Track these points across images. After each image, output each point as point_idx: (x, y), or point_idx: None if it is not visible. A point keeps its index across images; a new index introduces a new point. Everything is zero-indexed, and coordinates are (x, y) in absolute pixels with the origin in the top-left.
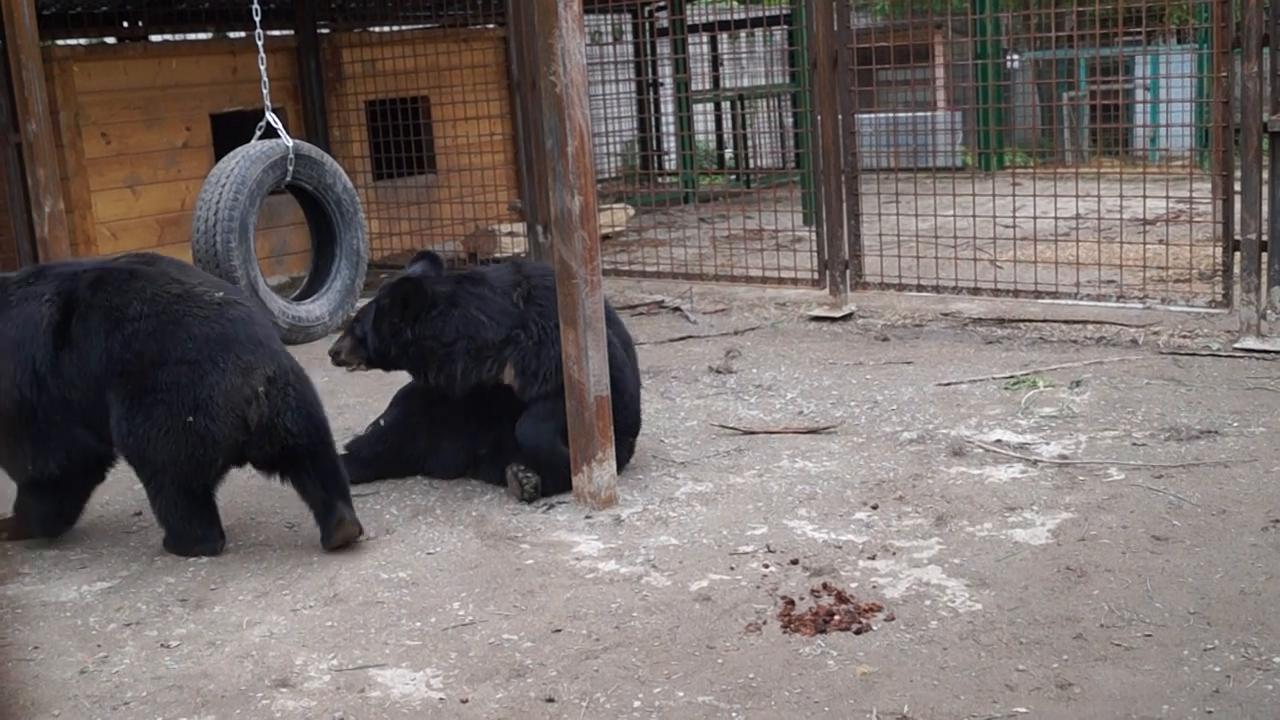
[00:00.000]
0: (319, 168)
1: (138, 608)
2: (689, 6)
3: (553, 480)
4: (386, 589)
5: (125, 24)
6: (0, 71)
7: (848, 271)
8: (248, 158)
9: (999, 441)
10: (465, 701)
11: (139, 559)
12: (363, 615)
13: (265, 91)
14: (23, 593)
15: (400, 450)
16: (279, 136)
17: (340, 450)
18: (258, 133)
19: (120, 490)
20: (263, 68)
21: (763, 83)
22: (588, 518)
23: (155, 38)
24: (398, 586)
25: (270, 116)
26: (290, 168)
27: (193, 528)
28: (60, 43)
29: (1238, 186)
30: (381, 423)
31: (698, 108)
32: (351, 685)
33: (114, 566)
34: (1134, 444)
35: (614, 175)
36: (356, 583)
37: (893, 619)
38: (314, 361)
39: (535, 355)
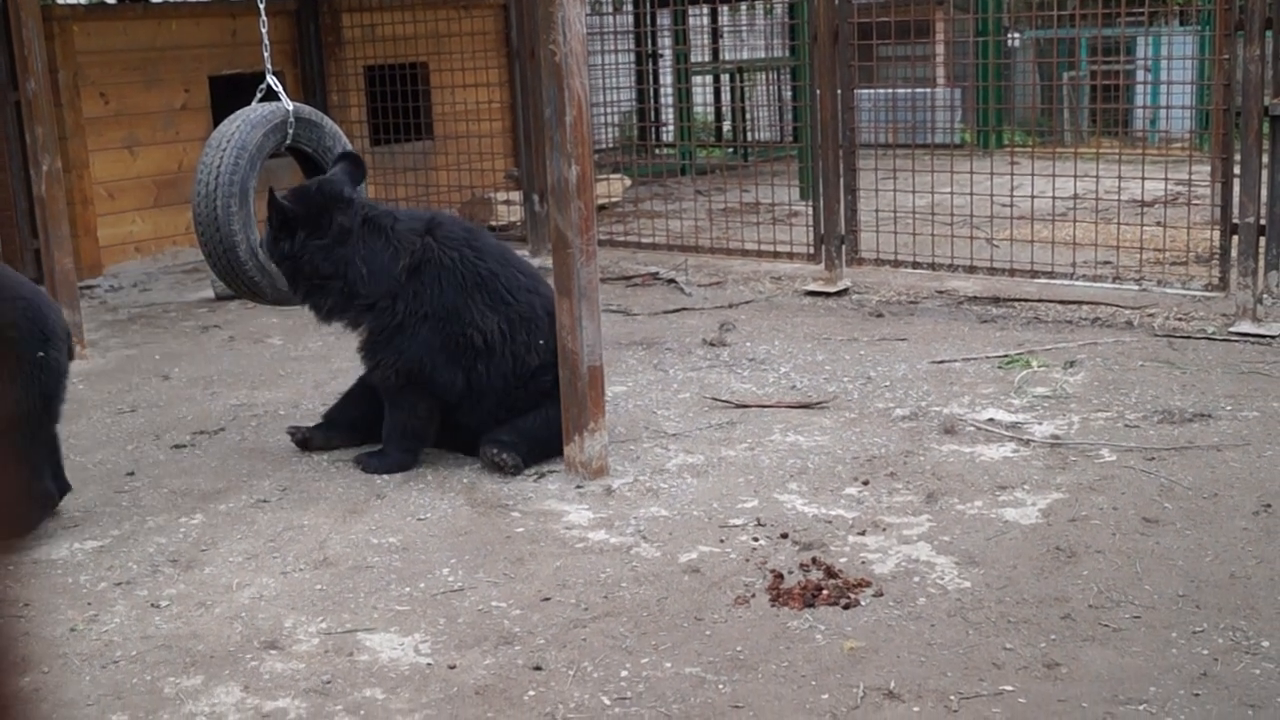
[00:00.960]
0: (319, 131)
1: (128, 567)
2: None
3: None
4: (376, 554)
5: None
6: (0, 29)
7: (843, 247)
8: (248, 121)
9: (991, 420)
10: (453, 667)
11: (130, 519)
12: (352, 579)
13: (266, 54)
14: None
15: (379, 416)
16: (279, 99)
17: (318, 419)
18: (258, 95)
19: (113, 450)
20: (264, 30)
21: (762, 56)
22: (578, 487)
23: None
24: (388, 552)
25: (271, 79)
26: (291, 131)
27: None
28: (60, 1)
29: (1237, 170)
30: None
31: (696, 80)
32: (340, 649)
33: (105, 526)
34: (1127, 426)
35: (611, 146)
36: (346, 547)
37: (881, 595)
38: (308, 326)
39: (386, 339)
